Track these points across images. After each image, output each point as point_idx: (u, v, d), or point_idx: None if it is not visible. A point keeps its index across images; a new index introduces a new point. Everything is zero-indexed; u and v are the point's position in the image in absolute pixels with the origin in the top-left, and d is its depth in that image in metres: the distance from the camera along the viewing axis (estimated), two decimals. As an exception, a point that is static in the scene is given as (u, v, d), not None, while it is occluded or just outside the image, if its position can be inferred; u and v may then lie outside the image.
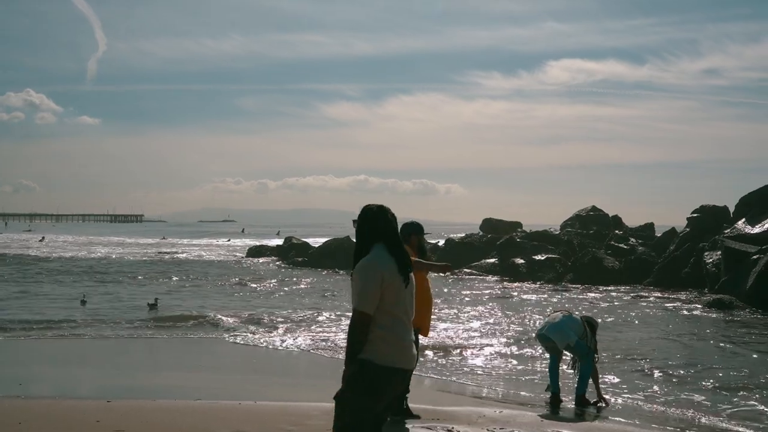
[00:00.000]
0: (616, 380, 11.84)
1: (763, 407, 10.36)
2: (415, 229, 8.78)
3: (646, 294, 27.22)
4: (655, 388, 11.41)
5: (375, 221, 5.16)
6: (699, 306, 22.81)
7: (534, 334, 12.60)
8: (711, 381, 11.98)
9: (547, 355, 10.47)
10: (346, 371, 4.89)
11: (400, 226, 7.50)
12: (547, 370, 10.51)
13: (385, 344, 4.89)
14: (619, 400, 10.50)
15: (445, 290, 27.58)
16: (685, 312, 21.87)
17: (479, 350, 14.72)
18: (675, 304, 23.71)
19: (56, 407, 9.08)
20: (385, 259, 5.00)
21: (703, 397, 10.87)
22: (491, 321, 19.11)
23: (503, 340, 15.95)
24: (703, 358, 14.13)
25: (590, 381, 9.99)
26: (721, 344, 16.02)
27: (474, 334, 16.82)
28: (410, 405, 8.77)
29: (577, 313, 10.46)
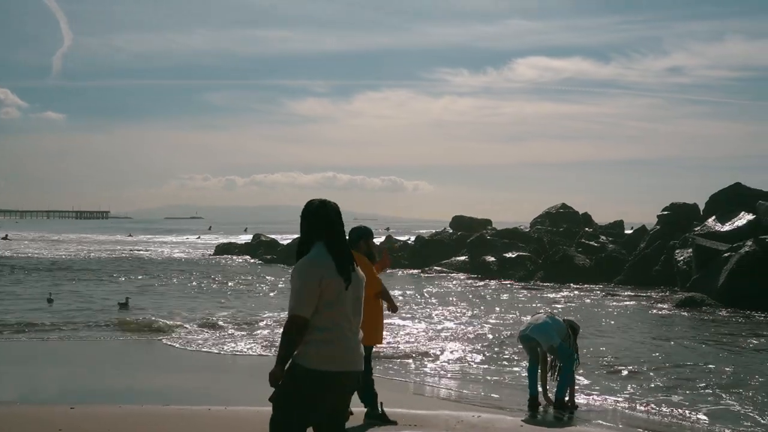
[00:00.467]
0: (591, 382, 11.64)
1: (739, 406, 10.28)
2: (364, 233, 8.54)
3: (618, 292, 27.22)
4: (631, 389, 11.26)
5: (316, 217, 4.94)
6: (671, 304, 22.79)
7: (515, 336, 12.42)
8: (687, 380, 11.92)
9: (525, 357, 10.28)
10: (276, 373, 4.63)
11: (348, 230, 7.26)
12: (523, 371, 10.33)
13: (324, 346, 4.67)
14: (597, 403, 10.35)
15: (415, 287, 27.38)
16: (657, 311, 21.85)
17: (453, 352, 14.41)
18: (647, 303, 23.71)
19: (16, 414, 8.73)
20: (325, 257, 4.79)
21: (681, 398, 10.77)
22: (464, 321, 18.87)
23: (477, 341, 15.72)
24: (677, 358, 14.04)
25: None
26: (695, 343, 15.96)
27: (447, 334, 16.56)
28: (386, 410, 8.55)
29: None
